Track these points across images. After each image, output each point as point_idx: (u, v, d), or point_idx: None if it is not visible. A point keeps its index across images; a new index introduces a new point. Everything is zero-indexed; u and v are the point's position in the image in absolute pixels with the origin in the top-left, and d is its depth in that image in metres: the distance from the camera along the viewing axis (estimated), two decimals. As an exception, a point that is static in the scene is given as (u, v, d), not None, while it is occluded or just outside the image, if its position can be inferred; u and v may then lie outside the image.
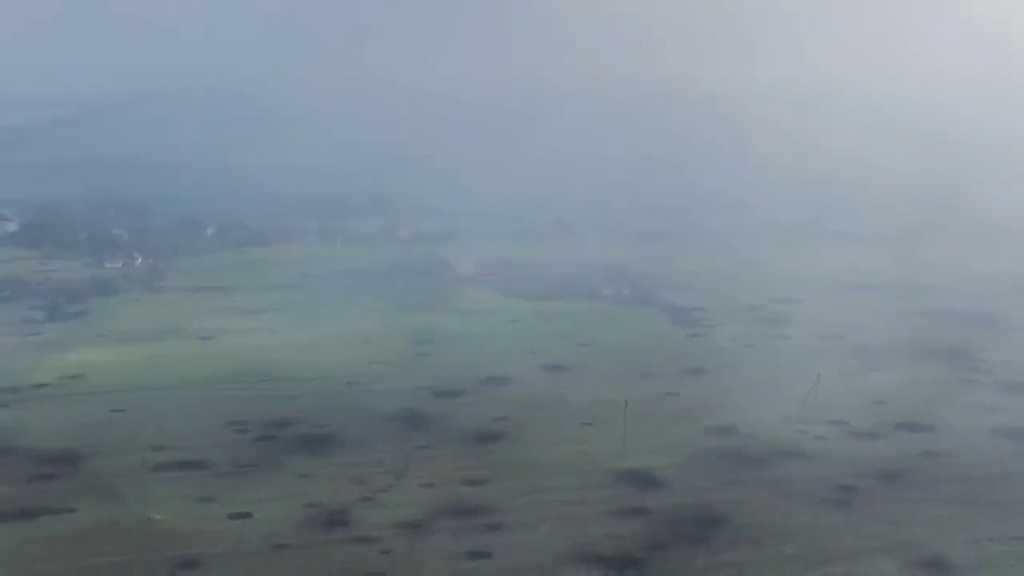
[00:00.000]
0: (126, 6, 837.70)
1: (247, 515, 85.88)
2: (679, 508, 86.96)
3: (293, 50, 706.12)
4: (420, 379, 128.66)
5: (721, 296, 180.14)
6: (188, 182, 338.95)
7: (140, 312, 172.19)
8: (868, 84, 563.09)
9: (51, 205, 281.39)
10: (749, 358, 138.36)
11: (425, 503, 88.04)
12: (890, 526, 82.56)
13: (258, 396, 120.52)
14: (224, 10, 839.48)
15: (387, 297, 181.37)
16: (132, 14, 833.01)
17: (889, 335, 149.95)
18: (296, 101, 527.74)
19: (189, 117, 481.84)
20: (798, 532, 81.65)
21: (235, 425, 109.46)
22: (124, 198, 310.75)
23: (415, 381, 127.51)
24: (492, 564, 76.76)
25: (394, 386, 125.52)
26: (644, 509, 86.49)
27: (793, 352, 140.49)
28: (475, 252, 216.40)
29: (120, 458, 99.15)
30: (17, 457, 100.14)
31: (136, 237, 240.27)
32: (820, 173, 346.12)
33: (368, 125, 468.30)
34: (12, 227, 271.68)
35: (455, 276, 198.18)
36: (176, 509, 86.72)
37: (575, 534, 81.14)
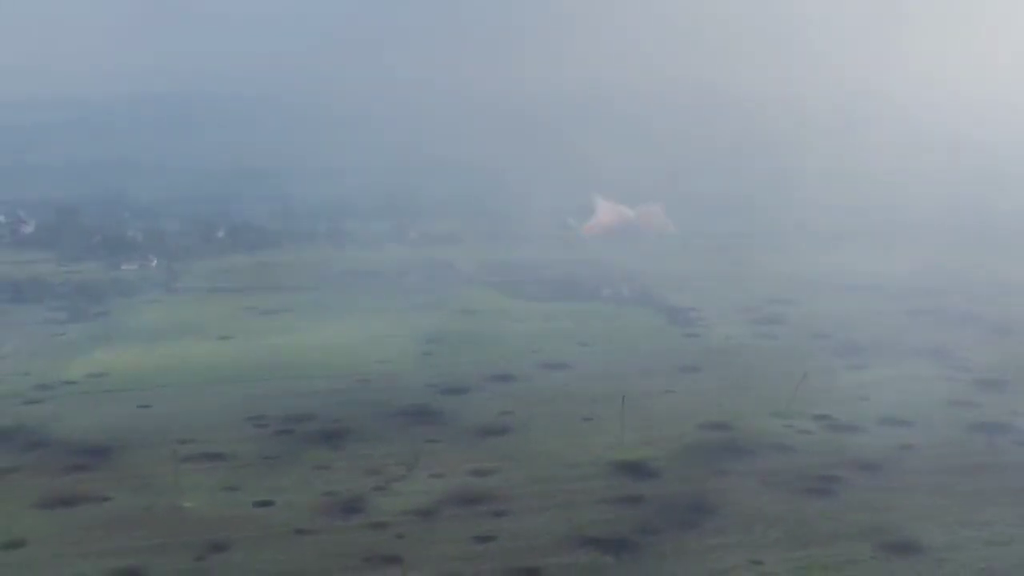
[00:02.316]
0: (141, 7, 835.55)
1: (270, 503, 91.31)
2: (672, 496, 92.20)
3: (319, 52, 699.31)
4: (428, 377, 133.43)
5: (717, 297, 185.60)
6: (198, 184, 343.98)
7: (159, 313, 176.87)
8: (902, 89, 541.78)
9: (66, 207, 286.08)
10: (742, 356, 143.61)
11: (435, 492, 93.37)
12: (867, 513, 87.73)
13: (275, 393, 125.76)
14: (247, 12, 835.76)
15: (395, 298, 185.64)
16: (147, 15, 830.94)
17: (876, 334, 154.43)
18: (317, 103, 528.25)
19: (201, 119, 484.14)
20: (782, 518, 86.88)
21: (255, 420, 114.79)
22: (136, 200, 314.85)
23: (423, 379, 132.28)
24: (498, 546, 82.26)
25: (403, 384, 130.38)
26: (639, 497, 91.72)
27: (783, 351, 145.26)
28: (480, 254, 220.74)
29: (149, 451, 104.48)
30: (52, 450, 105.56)
31: (150, 239, 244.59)
32: (822, 176, 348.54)
33: (390, 127, 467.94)
34: (28, 229, 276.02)
35: (460, 277, 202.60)
36: (204, 497, 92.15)
37: (575, 519, 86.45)
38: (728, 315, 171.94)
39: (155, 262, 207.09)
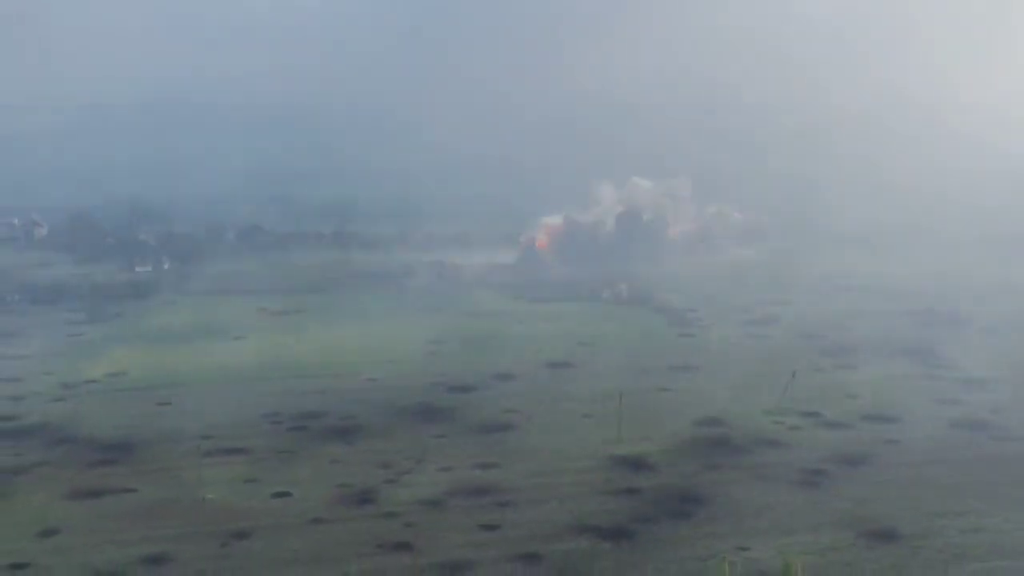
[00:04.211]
0: (153, 18, 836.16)
1: (287, 494, 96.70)
2: (667, 488, 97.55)
3: (326, 60, 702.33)
4: (435, 376, 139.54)
5: (712, 298, 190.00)
6: (206, 186, 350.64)
7: (173, 314, 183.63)
8: (928, 94, 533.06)
9: (78, 210, 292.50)
10: (735, 356, 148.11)
11: (443, 484, 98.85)
12: (851, 503, 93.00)
13: (289, 391, 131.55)
14: (259, 23, 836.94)
15: (402, 299, 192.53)
16: (159, 25, 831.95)
17: (865, 334, 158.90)
18: (323, 107, 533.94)
19: (210, 124, 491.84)
20: (770, 508, 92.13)
21: (270, 417, 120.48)
22: (146, 203, 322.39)
23: (430, 378, 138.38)
24: (502, 534, 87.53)
25: (411, 382, 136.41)
26: (636, 489, 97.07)
27: (775, 350, 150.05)
28: (485, 256, 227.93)
29: (171, 445, 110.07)
30: (79, 445, 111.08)
31: (162, 242, 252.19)
32: (817, 176, 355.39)
33: (403, 128, 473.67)
34: (43, 231, 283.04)
35: (465, 279, 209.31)
36: (225, 489, 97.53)
37: (575, 510, 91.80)
38: (724, 316, 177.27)
39: (167, 265, 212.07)
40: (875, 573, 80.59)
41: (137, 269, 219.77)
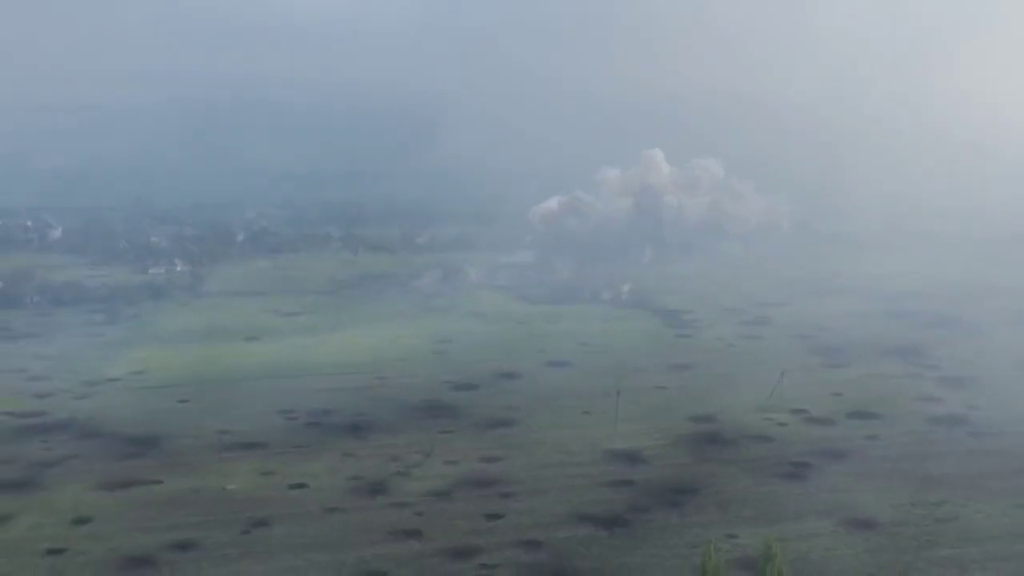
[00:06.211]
0: (162, 17, 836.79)
1: (303, 485, 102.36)
2: (660, 480, 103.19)
3: (329, 60, 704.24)
4: (441, 374, 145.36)
5: (709, 300, 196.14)
6: (215, 189, 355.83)
7: (188, 315, 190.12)
8: (937, 102, 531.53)
9: (91, 212, 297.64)
10: (728, 355, 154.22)
11: (450, 476, 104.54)
12: (831, 494, 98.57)
13: (302, 389, 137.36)
14: (263, 23, 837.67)
15: (408, 301, 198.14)
16: (167, 24, 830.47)
17: (853, 335, 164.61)
18: (331, 108, 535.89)
19: (218, 125, 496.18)
20: (756, 499, 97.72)
21: (285, 413, 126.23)
22: (157, 205, 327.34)
23: (437, 376, 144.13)
24: (506, 523, 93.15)
25: (418, 381, 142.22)
26: (631, 481, 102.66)
27: (767, 350, 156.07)
28: (488, 258, 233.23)
29: (193, 440, 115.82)
30: (105, 439, 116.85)
31: (174, 244, 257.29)
32: (823, 179, 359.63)
33: (410, 131, 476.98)
34: (56, 234, 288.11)
35: (469, 281, 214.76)
36: (245, 481, 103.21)
37: (574, 500, 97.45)
38: (719, 317, 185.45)
39: (180, 267, 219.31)
40: (853, 557, 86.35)
41: (151, 271, 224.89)
